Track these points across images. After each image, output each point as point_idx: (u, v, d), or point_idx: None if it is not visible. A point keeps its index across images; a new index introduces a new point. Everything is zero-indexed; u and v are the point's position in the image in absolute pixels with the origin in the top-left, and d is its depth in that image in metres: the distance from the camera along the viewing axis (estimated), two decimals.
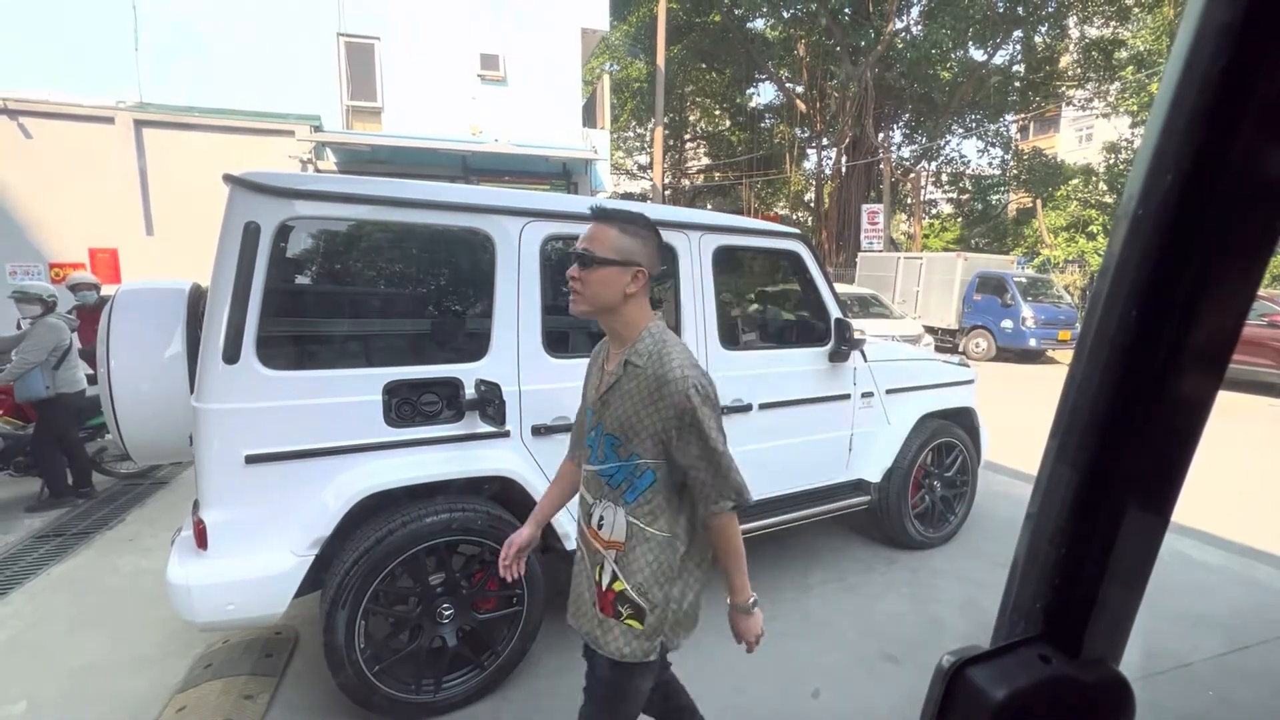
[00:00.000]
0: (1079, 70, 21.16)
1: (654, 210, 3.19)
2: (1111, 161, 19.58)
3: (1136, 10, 18.77)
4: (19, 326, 5.04)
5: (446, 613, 2.39)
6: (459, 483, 2.40)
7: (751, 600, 1.47)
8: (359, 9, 10.25)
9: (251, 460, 2.12)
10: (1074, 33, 21.14)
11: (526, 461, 2.51)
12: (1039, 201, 20.66)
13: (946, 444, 3.86)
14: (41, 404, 4.51)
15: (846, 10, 19.84)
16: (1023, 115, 23.94)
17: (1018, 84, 21.86)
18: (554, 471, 1.83)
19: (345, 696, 2.27)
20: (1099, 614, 0.45)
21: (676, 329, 2.90)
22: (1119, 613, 0.46)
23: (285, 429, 2.17)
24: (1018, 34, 20.21)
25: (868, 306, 10.38)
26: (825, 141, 23.90)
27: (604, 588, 1.46)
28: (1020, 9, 19.17)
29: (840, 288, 10.05)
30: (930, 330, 12.30)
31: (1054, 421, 0.46)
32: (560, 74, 11.48)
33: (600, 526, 1.47)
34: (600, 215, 1.42)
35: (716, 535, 1.43)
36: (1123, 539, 0.44)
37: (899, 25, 20.05)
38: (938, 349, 11.31)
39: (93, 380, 4.50)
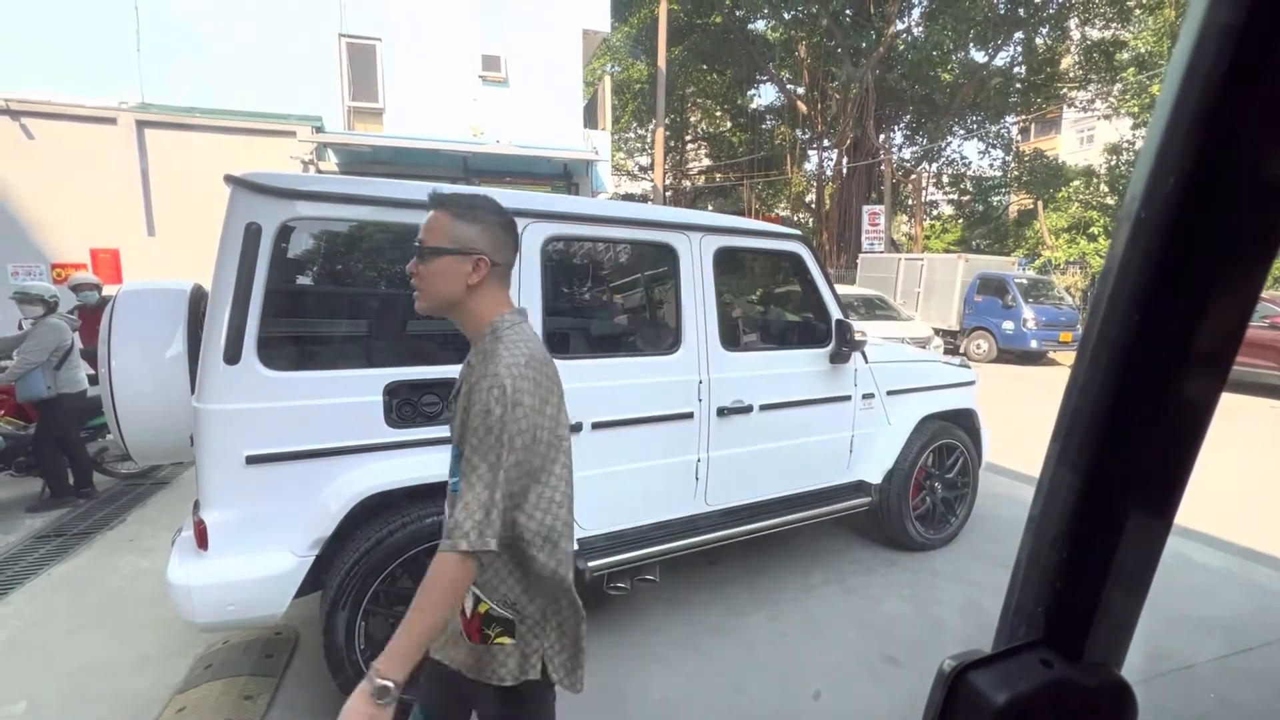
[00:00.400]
0: (1080, 72, 21.18)
1: (655, 211, 3.21)
2: (1113, 163, 19.61)
3: (1138, 12, 18.79)
4: (20, 327, 5.05)
5: None
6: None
7: (384, 684, 1.11)
8: (360, 10, 10.27)
9: (252, 461, 2.12)
10: (1075, 34, 21.15)
11: None
12: (1040, 203, 20.65)
13: (947, 445, 3.86)
14: (43, 404, 4.52)
15: (848, 12, 19.84)
16: (1024, 117, 23.93)
17: (1019, 85, 21.88)
18: None
19: (345, 697, 2.26)
20: (1101, 618, 0.45)
21: (677, 330, 2.90)
22: (1121, 617, 0.46)
23: (286, 430, 2.17)
24: (1019, 35, 20.23)
25: (874, 308, 10.32)
26: (826, 143, 23.89)
27: (469, 614, 1.28)
28: (1021, 10, 19.19)
29: (844, 289, 10.04)
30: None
31: (1056, 424, 0.46)
32: (561, 75, 11.49)
33: None
34: (435, 202, 1.26)
35: (428, 572, 1.12)
36: (1125, 542, 0.44)
37: (900, 27, 20.06)
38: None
39: (94, 380, 4.51)
